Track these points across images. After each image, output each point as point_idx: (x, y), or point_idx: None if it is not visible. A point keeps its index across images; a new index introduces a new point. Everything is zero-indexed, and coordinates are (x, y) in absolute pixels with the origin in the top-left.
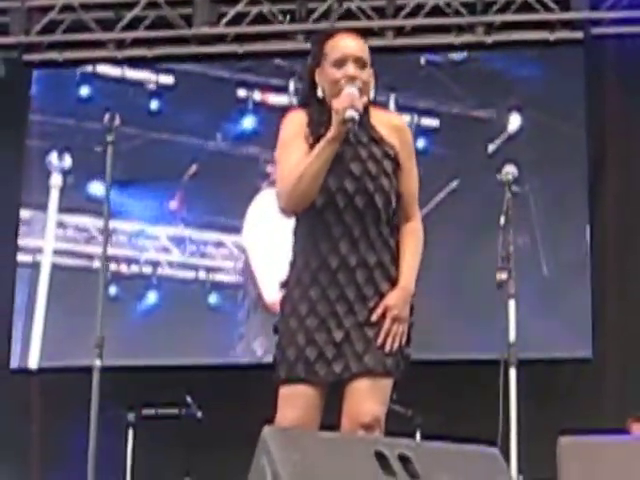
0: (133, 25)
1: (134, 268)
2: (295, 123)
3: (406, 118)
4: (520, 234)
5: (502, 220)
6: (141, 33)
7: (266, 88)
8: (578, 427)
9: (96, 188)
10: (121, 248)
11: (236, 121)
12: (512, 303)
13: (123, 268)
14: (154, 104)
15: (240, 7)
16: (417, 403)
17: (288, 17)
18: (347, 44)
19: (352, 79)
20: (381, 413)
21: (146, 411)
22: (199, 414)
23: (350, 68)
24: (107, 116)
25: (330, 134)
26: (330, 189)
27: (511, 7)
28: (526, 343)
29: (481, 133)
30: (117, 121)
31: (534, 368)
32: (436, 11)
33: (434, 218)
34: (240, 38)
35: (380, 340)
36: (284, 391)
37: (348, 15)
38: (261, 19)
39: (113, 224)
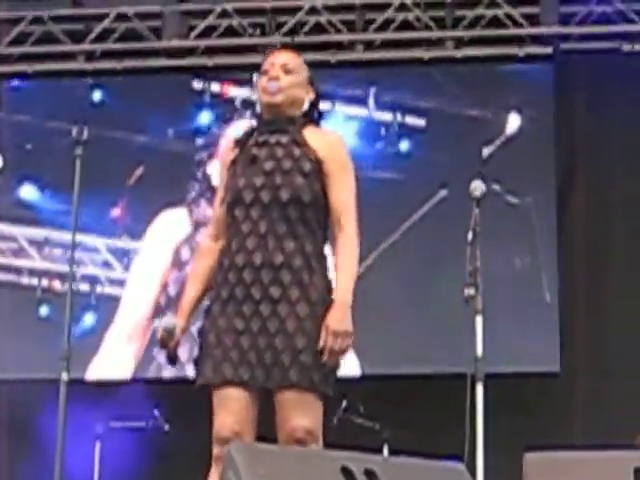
0: (103, 37)
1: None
2: (221, 157)
3: (388, 116)
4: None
5: (470, 236)
6: (111, 45)
7: (225, 79)
8: (545, 442)
9: (28, 192)
10: (54, 262)
11: (190, 116)
12: (479, 319)
13: (56, 285)
14: (96, 95)
15: (210, 20)
16: (384, 417)
17: (258, 30)
18: (275, 55)
19: (276, 79)
20: (311, 424)
21: (114, 423)
22: (166, 427)
23: (274, 71)
24: (75, 129)
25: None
26: (239, 186)
27: (480, 22)
28: (493, 357)
29: (474, 135)
30: (85, 134)
31: (501, 382)
32: (406, 25)
33: (419, 232)
34: (210, 51)
35: (325, 358)
36: (216, 395)
37: (318, 28)
38: (231, 32)
39: (45, 233)
